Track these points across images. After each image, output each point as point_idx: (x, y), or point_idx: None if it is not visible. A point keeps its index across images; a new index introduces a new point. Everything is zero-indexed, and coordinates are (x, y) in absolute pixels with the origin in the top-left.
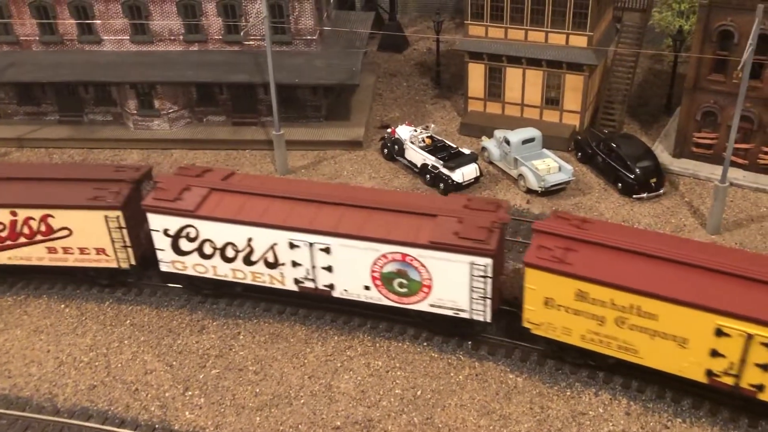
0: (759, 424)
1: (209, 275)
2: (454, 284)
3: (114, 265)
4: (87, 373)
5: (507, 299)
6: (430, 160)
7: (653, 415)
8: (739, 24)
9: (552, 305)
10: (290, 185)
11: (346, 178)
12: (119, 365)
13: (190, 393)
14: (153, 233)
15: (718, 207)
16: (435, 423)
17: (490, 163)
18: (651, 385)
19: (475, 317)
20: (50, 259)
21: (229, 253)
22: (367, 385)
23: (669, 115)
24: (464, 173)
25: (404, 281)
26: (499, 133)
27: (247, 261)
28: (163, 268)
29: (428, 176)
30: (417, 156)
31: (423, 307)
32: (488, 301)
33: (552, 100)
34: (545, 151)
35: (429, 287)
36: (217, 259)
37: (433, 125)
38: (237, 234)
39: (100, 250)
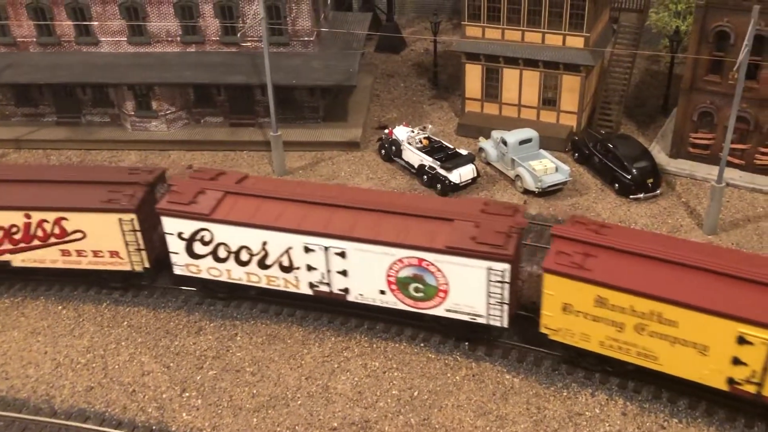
0: (755, 425)
1: (223, 279)
2: (471, 289)
3: (127, 268)
4: (84, 375)
5: (524, 304)
6: (428, 160)
7: (649, 415)
8: (736, 25)
9: (570, 311)
10: (305, 188)
11: (344, 179)
12: (116, 367)
13: (187, 394)
14: (167, 236)
15: (715, 207)
16: (432, 424)
17: (488, 163)
18: (647, 386)
19: (492, 323)
20: (64, 262)
21: (244, 256)
22: (364, 386)
23: (666, 115)
24: (461, 174)
25: (420, 286)
26: (496, 134)
27: (262, 264)
28: (177, 271)
29: (425, 177)
30: (414, 157)
31: (439, 312)
32: (506, 307)
33: (549, 101)
34: (542, 151)
35: (445, 292)
36: (231, 262)
37: (430, 126)
38: (252, 237)
39: (113, 253)
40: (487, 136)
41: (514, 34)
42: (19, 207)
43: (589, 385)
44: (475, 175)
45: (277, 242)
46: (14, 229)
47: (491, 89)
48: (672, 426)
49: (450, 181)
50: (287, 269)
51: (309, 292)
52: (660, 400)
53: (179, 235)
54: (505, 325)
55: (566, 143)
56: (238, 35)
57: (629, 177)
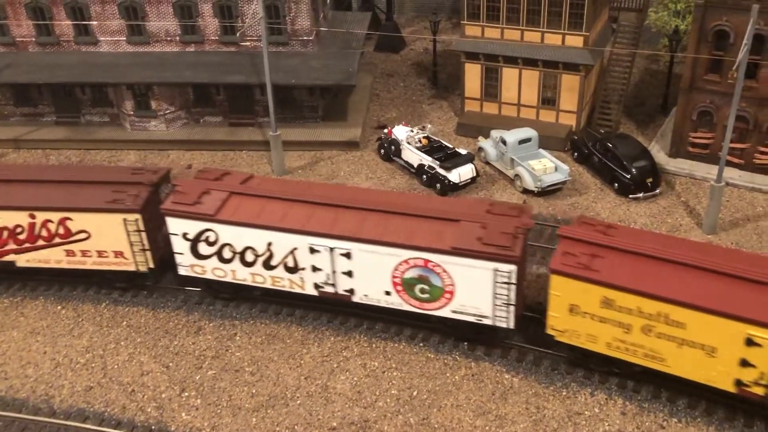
0: (754, 424)
1: (228, 279)
2: (477, 290)
3: (132, 268)
4: (83, 375)
5: (529, 305)
6: (427, 160)
7: (649, 414)
8: (735, 24)
9: (577, 312)
10: (310, 189)
11: (343, 179)
12: (116, 366)
13: (186, 394)
14: (172, 237)
15: (714, 207)
16: (431, 423)
17: (487, 163)
18: (646, 386)
19: (499, 324)
20: (68, 262)
21: (249, 257)
22: (363, 385)
23: (665, 115)
24: (461, 173)
25: (426, 287)
26: (495, 134)
27: (267, 265)
28: (182, 271)
29: (425, 177)
30: (413, 156)
31: (445, 313)
32: (512, 308)
33: (548, 100)
34: (542, 151)
35: (451, 293)
36: (236, 263)
37: (429, 125)
38: (257, 238)
39: (118, 253)
40: (487, 136)
41: (513, 34)
42: (24, 207)
43: (588, 385)
44: (475, 174)
45: (283, 243)
46: (19, 230)
47: (490, 88)
48: (671, 425)
49: (449, 181)
50: (292, 270)
51: (314, 293)
52: (659, 400)
53: (184, 235)
54: (512, 326)
55: (565, 142)
56: (238, 35)
57: (629, 176)
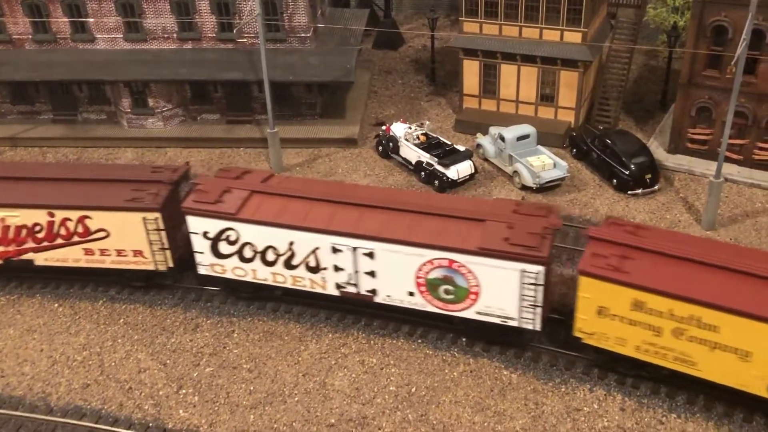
0: (753, 419)
1: (249, 279)
2: (503, 292)
3: (151, 267)
4: (80, 372)
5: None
6: (425, 157)
7: (648, 410)
8: (733, 19)
9: (606, 314)
10: (331, 188)
11: (341, 176)
12: (113, 364)
13: (183, 391)
14: (192, 236)
15: (713, 202)
16: (429, 420)
17: (485, 160)
18: (645, 381)
19: (525, 325)
20: (87, 261)
21: (270, 256)
22: (361, 382)
23: (664, 111)
24: (459, 170)
25: (450, 288)
26: (494, 130)
27: (288, 265)
28: (201, 271)
29: (423, 173)
30: (412, 153)
31: (469, 314)
32: (539, 309)
33: (547, 97)
34: (540, 147)
35: (476, 294)
36: (257, 262)
37: (428, 122)
38: (278, 237)
39: (137, 252)
40: (485, 133)
41: (511, 30)
42: (43, 205)
43: (587, 381)
44: (473, 171)
45: (305, 242)
46: (37, 228)
47: (489, 85)
48: (670, 421)
49: (447, 178)
50: (314, 270)
51: (336, 293)
52: (658, 395)
53: (204, 234)
54: (538, 327)
55: (564, 139)
56: (235, 32)
57: (627, 172)
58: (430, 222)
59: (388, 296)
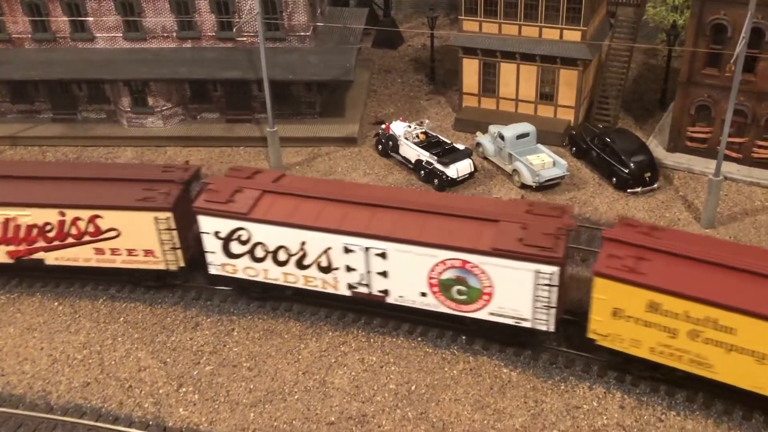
0: (753, 417)
1: (260, 279)
2: (517, 292)
3: (162, 267)
4: (80, 371)
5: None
6: (425, 156)
7: (647, 408)
8: (733, 17)
9: (621, 316)
10: (343, 188)
11: (341, 175)
12: (113, 362)
13: (184, 389)
14: (203, 235)
15: (713, 201)
16: (429, 418)
17: (485, 158)
18: (645, 379)
19: (538, 327)
20: (97, 260)
21: (282, 256)
22: (361, 380)
23: (663, 109)
24: (458, 169)
25: (463, 288)
26: (493, 129)
27: (300, 265)
28: (213, 271)
29: (422, 172)
30: (411, 152)
31: (482, 315)
32: (553, 311)
33: (546, 96)
34: (540, 146)
35: (490, 295)
36: (269, 262)
37: (427, 121)
38: (290, 237)
39: (148, 252)
40: (485, 131)
41: (511, 29)
42: (54, 204)
43: (586, 379)
44: (473, 170)
45: (317, 242)
46: (48, 227)
47: (488, 84)
48: (670, 418)
49: (447, 176)
50: (326, 270)
51: (347, 293)
52: (658, 393)
53: (216, 234)
54: (552, 329)
55: (564, 137)
56: (234, 30)
57: (627, 171)
58: (443, 222)
59: (401, 297)
